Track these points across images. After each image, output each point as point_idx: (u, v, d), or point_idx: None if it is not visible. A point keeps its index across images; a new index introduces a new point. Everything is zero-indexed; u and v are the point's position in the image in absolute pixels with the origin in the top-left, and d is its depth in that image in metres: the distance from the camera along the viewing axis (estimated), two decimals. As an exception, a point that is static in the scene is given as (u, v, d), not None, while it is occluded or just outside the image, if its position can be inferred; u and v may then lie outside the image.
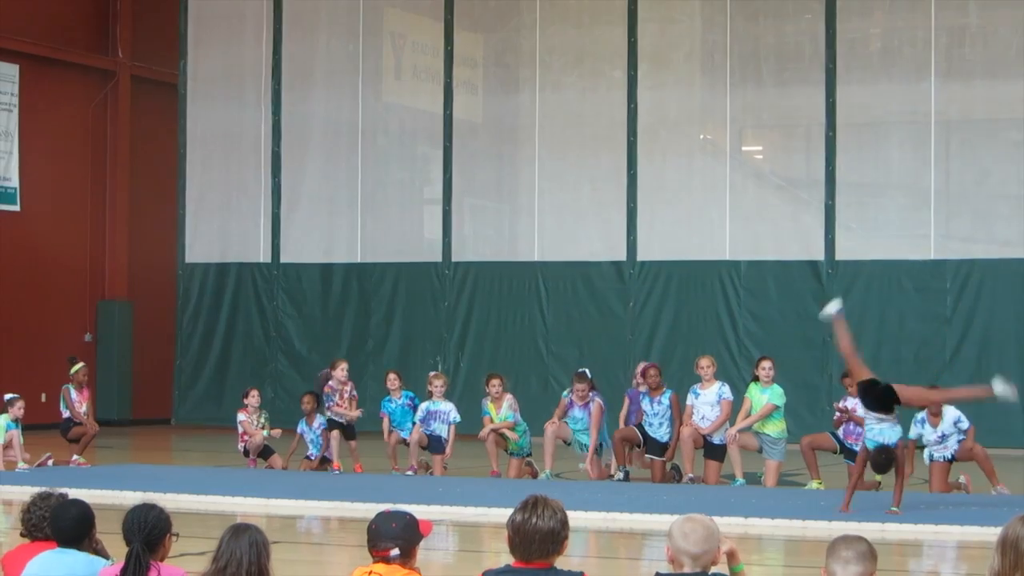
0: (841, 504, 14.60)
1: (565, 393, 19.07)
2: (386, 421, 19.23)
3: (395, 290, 27.37)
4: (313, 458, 19.72)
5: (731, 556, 5.69)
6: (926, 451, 17.18)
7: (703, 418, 18.05)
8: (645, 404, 18.40)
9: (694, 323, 25.50)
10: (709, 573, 5.53)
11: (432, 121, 27.40)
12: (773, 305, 25.13)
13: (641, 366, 19.08)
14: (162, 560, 6.39)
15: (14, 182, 28.53)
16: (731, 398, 18.14)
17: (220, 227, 28.59)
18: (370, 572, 6.02)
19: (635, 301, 25.85)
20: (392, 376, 19.52)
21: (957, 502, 15.94)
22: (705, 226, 25.53)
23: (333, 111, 28.00)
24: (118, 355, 29.98)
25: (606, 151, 26.15)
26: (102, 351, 29.90)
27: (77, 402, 20.29)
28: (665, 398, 18.38)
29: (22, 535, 7.17)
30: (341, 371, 19.61)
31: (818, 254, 24.90)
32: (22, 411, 19.23)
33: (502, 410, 18.82)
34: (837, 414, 17.43)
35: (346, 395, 19.56)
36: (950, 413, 17.09)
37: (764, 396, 17.92)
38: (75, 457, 19.95)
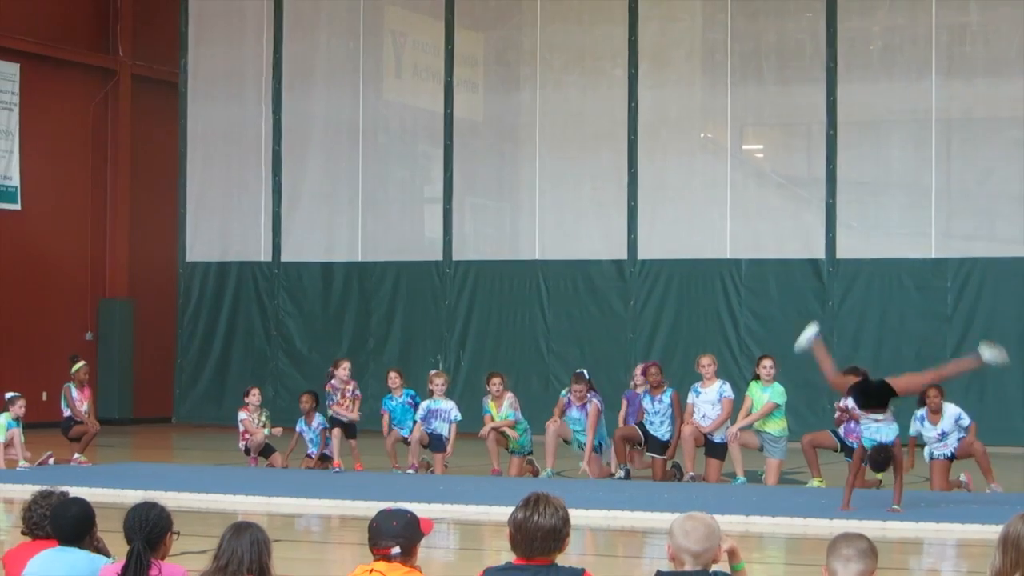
0: (841, 503, 14.59)
1: (563, 392, 19.07)
2: (386, 418, 19.23)
3: (396, 289, 27.37)
4: (313, 456, 19.72)
5: (732, 554, 5.69)
6: (926, 449, 17.17)
7: (704, 416, 18.05)
8: (646, 402, 18.40)
9: (695, 322, 25.50)
10: (710, 571, 5.53)
11: (433, 119, 27.40)
12: (774, 303, 25.12)
13: (640, 367, 19.08)
14: (163, 558, 6.40)
15: (15, 181, 28.53)
16: (732, 396, 18.14)
17: (221, 226, 28.59)
18: (371, 570, 6.02)
19: (636, 300, 25.85)
20: (393, 374, 19.53)
21: (958, 500, 15.93)
22: (706, 225, 25.53)
23: (334, 109, 27.99)
24: (119, 354, 29.98)
25: (607, 149, 26.15)
26: (103, 350, 29.90)
27: (78, 401, 20.29)
28: (666, 396, 18.38)
29: (23, 533, 7.18)
30: (343, 370, 19.61)
31: (819, 252, 24.90)
32: (23, 409, 19.23)
33: (503, 408, 18.82)
34: (838, 412, 17.42)
35: (348, 394, 19.58)
36: (950, 410, 17.08)
37: (765, 394, 17.93)
38: (76, 456, 19.95)
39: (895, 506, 14.38)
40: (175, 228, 28.93)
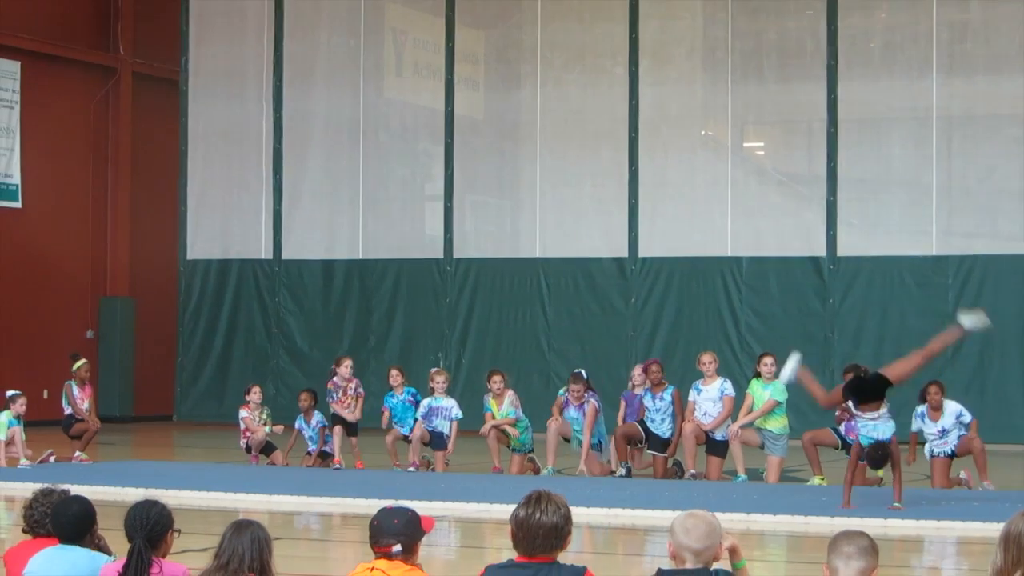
0: (842, 501, 14.59)
1: (561, 391, 19.09)
2: (386, 415, 19.24)
3: (397, 286, 27.38)
4: (312, 453, 19.72)
5: (733, 552, 5.69)
6: (927, 446, 17.17)
7: (705, 414, 18.05)
8: (647, 400, 18.40)
9: (696, 319, 25.50)
10: (711, 569, 5.53)
11: (433, 117, 27.40)
12: (775, 301, 25.13)
13: (637, 367, 19.07)
14: (164, 556, 6.40)
15: (16, 179, 28.53)
16: (733, 394, 18.15)
17: (222, 224, 28.60)
18: (372, 568, 6.02)
19: (637, 297, 25.85)
20: (395, 372, 19.53)
21: (959, 498, 15.92)
22: (707, 222, 25.53)
23: (334, 107, 27.99)
24: (120, 352, 29.99)
25: (607, 147, 26.15)
26: (104, 348, 29.90)
27: (79, 399, 20.30)
28: (667, 394, 18.38)
29: (24, 531, 7.17)
30: (345, 368, 19.62)
31: (820, 250, 24.91)
32: (24, 407, 19.23)
33: (503, 406, 18.83)
34: (838, 411, 17.42)
35: (350, 392, 19.58)
36: (951, 407, 17.08)
37: (766, 392, 17.93)
38: (77, 453, 19.95)
39: (896, 503, 14.38)
40: (176, 226, 28.94)
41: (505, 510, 13.54)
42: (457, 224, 27.13)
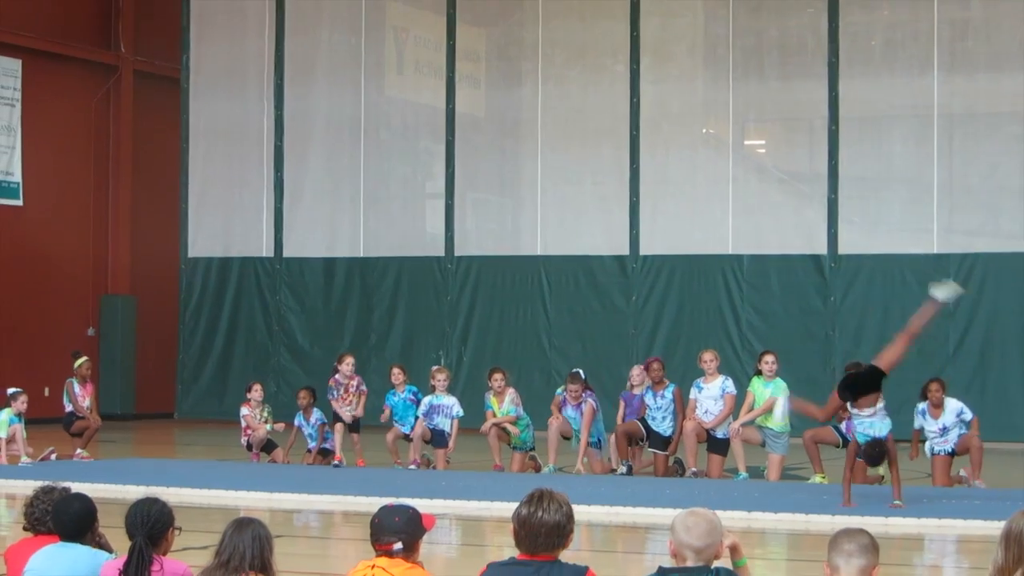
0: (842, 500, 14.58)
1: (559, 391, 19.09)
2: (387, 412, 19.25)
3: (398, 284, 27.38)
4: (312, 451, 19.72)
5: (734, 550, 5.69)
6: (927, 444, 17.16)
7: (706, 412, 18.05)
8: (648, 398, 18.40)
9: (697, 317, 25.50)
10: (712, 567, 5.53)
11: (434, 115, 27.40)
12: (776, 299, 25.13)
13: (636, 368, 19.06)
14: (165, 554, 6.40)
15: (17, 177, 28.54)
16: (734, 392, 18.15)
17: (223, 222, 28.61)
18: (373, 566, 6.02)
19: (638, 295, 25.85)
20: (396, 370, 19.53)
21: (960, 496, 15.92)
22: (708, 220, 25.53)
23: (335, 105, 27.99)
24: (121, 349, 30.00)
25: (608, 145, 26.15)
26: (105, 345, 29.91)
27: (80, 396, 20.30)
28: (668, 392, 18.37)
29: (25, 529, 7.18)
30: (347, 365, 19.62)
31: (821, 248, 24.90)
32: (25, 405, 19.22)
33: (504, 404, 18.83)
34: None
35: (352, 389, 19.58)
36: (952, 405, 17.08)
37: (767, 390, 17.93)
38: (78, 451, 19.95)
39: (896, 501, 14.37)
40: (177, 224, 28.94)
41: (506, 508, 13.56)
42: (458, 222, 27.13)
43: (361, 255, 27.63)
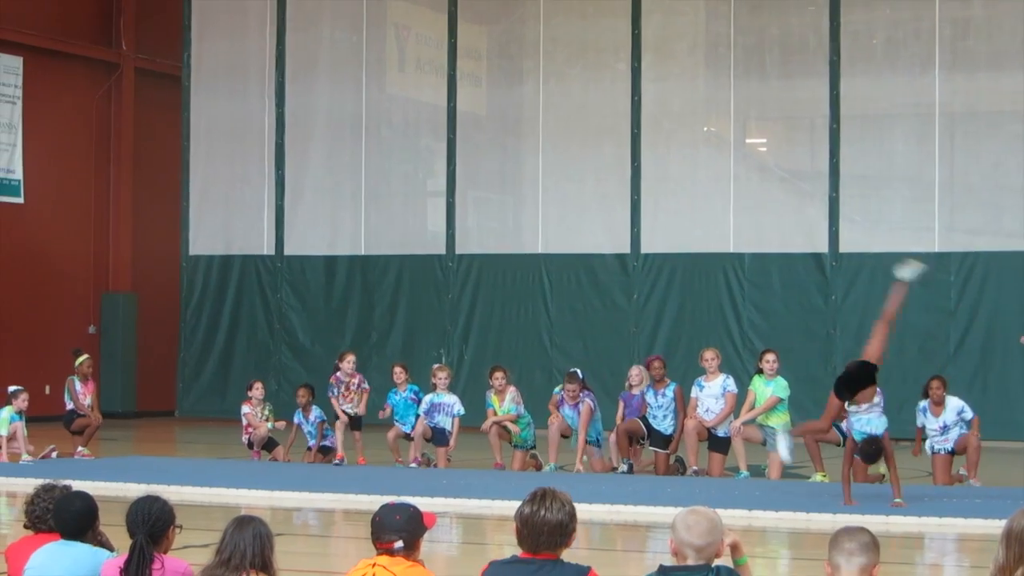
0: (843, 498, 14.58)
1: (557, 390, 19.09)
2: (388, 410, 19.26)
3: (399, 282, 27.38)
4: (312, 448, 19.73)
5: (734, 548, 5.68)
6: (927, 442, 17.17)
7: (707, 410, 18.05)
8: (649, 396, 18.40)
9: (698, 315, 25.50)
10: (713, 566, 5.52)
11: (436, 113, 27.40)
12: (777, 297, 25.12)
13: (634, 368, 19.04)
14: (166, 552, 6.40)
15: (18, 174, 28.54)
16: (735, 390, 18.14)
17: (224, 219, 28.60)
18: (374, 564, 6.02)
19: (639, 293, 25.85)
20: (398, 369, 19.53)
21: (960, 495, 15.91)
22: (709, 218, 25.52)
23: (337, 103, 27.99)
24: (122, 347, 30.00)
25: (610, 143, 26.14)
26: (106, 343, 29.91)
27: (81, 394, 20.30)
28: (669, 391, 18.37)
29: (26, 527, 7.17)
30: (348, 363, 19.63)
31: (822, 246, 24.90)
32: (26, 403, 19.23)
33: (505, 403, 18.83)
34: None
35: (354, 387, 19.59)
36: (953, 403, 17.09)
37: (768, 388, 17.92)
38: (79, 449, 19.96)
39: (897, 499, 14.37)
40: (178, 222, 28.93)
41: (506, 506, 13.56)
42: (459, 220, 27.13)
43: (362, 253, 27.63)
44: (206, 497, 15.74)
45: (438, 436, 18.90)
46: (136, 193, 30.50)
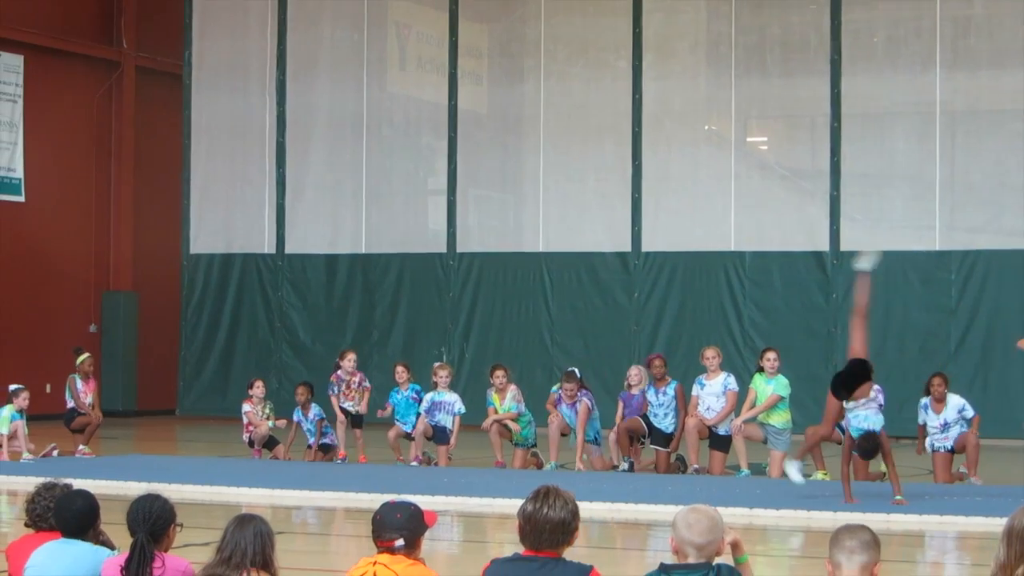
0: (844, 497, 14.57)
1: (555, 388, 19.09)
2: (389, 409, 19.27)
3: (400, 281, 27.37)
4: (312, 446, 19.74)
5: (735, 547, 5.68)
6: (927, 440, 17.17)
7: (708, 409, 18.05)
8: (650, 395, 18.40)
9: (699, 314, 25.49)
10: (713, 564, 5.52)
11: (437, 111, 27.39)
12: (778, 296, 25.12)
13: (634, 368, 19.04)
14: (166, 550, 6.40)
15: (19, 173, 28.54)
16: (736, 389, 18.15)
17: (225, 218, 28.60)
18: (375, 562, 6.02)
19: (640, 292, 25.85)
20: (400, 368, 19.53)
21: (961, 493, 15.91)
22: (710, 217, 25.52)
23: (338, 101, 27.98)
24: (123, 346, 30.00)
25: (611, 142, 26.14)
26: (107, 342, 29.92)
27: (82, 392, 20.31)
28: (670, 389, 18.38)
29: (26, 525, 7.17)
30: (349, 361, 19.63)
31: (823, 245, 24.89)
32: (27, 402, 19.23)
33: (506, 401, 18.83)
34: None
35: (355, 386, 19.59)
36: (954, 401, 17.10)
37: (769, 387, 17.92)
38: (80, 447, 19.97)
39: (897, 497, 14.37)
40: (179, 220, 28.93)
41: (507, 504, 13.57)
42: (460, 218, 27.12)
43: (363, 251, 27.62)
44: (207, 495, 15.74)
45: (439, 434, 18.91)
46: (137, 191, 30.50)
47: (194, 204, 28.74)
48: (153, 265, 30.26)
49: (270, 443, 19.85)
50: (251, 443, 19.95)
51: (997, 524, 8.99)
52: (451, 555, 12.53)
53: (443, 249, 27.07)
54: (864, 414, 14.45)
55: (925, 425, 17.19)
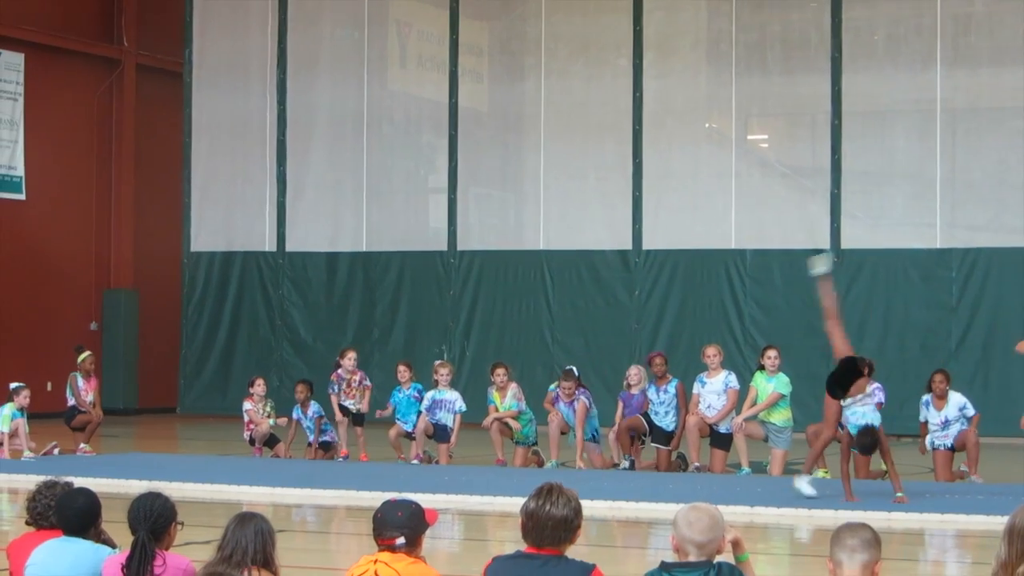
0: (844, 495, 14.57)
1: (552, 387, 19.08)
2: (389, 409, 19.27)
3: (400, 279, 27.37)
4: (312, 444, 19.74)
5: (736, 545, 5.68)
6: (928, 438, 17.17)
7: (709, 407, 18.04)
8: (651, 393, 18.40)
9: (700, 312, 25.49)
10: (714, 562, 5.52)
11: (437, 109, 27.39)
12: (779, 294, 25.12)
13: (634, 368, 19.04)
14: (167, 549, 6.40)
15: (19, 171, 28.54)
16: (737, 387, 18.14)
17: (225, 216, 28.60)
18: (375, 560, 6.02)
19: (640, 290, 25.84)
20: (403, 368, 19.53)
21: (962, 491, 15.90)
22: (711, 215, 25.52)
23: (338, 99, 27.97)
24: (124, 344, 30.00)
25: (612, 139, 26.14)
26: (108, 340, 29.92)
27: (83, 391, 20.31)
28: (671, 387, 18.37)
29: (27, 523, 7.17)
30: (349, 360, 19.63)
31: (824, 243, 24.86)
32: (27, 400, 19.24)
33: (506, 399, 18.83)
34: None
35: (355, 384, 19.59)
36: (955, 398, 17.10)
37: (770, 385, 17.92)
38: (82, 445, 19.97)
39: (898, 494, 14.36)
40: (179, 218, 28.93)
41: (508, 502, 13.56)
42: (461, 216, 27.12)
43: (364, 249, 27.62)
44: (208, 494, 15.74)
45: (440, 433, 18.90)
46: (137, 190, 30.50)
47: (195, 202, 28.74)
48: (154, 263, 30.27)
49: (271, 441, 19.85)
50: (252, 441, 19.95)
51: (998, 522, 9.00)
52: (452, 553, 12.52)
53: (444, 247, 27.06)
54: (862, 411, 14.47)
55: (926, 422, 17.19)
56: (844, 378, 14.61)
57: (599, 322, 26.01)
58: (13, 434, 19.05)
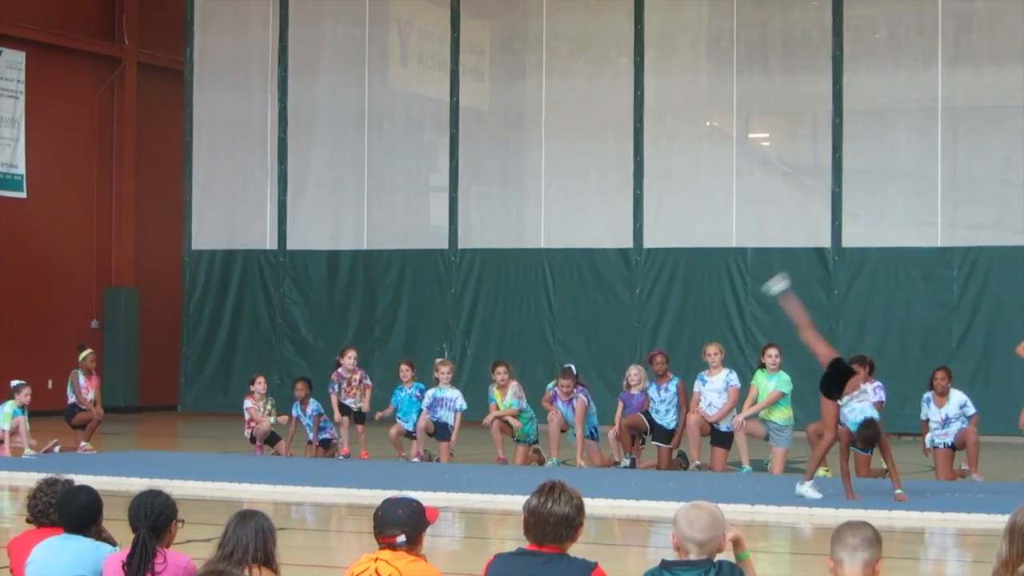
0: (845, 494, 14.56)
1: (550, 385, 19.08)
2: (390, 410, 19.27)
3: (401, 277, 27.37)
4: (312, 442, 19.74)
5: (736, 543, 5.68)
6: (928, 436, 17.17)
7: (710, 405, 18.04)
8: (652, 391, 18.40)
9: (700, 310, 25.49)
10: (714, 560, 5.52)
11: (438, 108, 27.39)
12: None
13: (634, 368, 19.03)
14: (168, 546, 6.40)
15: (20, 169, 28.54)
16: (738, 385, 18.14)
17: (226, 214, 28.60)
18: (376, 559, 6.02)
19: (641, 288, 25.84)
20: (404, 367, 19.52)
21: (963, 490, 15.90)
22: (711, 213, 25.52)
23: (339, 98, 27.97)
24: (125, 342, 30.01)
25: (612, 138, 26.14)
26: (109, 338, 29.92)
27: (85, 388, 20.30)
28: (672, 385, 18.37)
29: (28, 521, 7.17)
30: (349, 359, 19.63)
31: (824, 241, 24.88)
32: (29, 398, 19.24)
33: (507, 397, 18.83)
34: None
35: (355, 383, 19.59)
36: (956, 396, 17.10)
37: (770, 383, 17.91)
38: (82, 443, 19.97)
39: (898, 491, 14.36)
40: (181, 216, 28.93)
41: (509, 501, 13.57)
42: (462, 215, 27.12)
43: (365, 248, 27.62)
44: (208, 491, 15.74)
45: (440, 431, 18.90)
46: (138, 188, 30.51)
47: (196, 200, 28.74)
48: (155, 261, 30.27)
49: (272, 439, 19.85)
50: (253, 439, 19.96)
51: (999, 521, 9.00)
52: (452, 551, 12.52)
53: (445, 245, 27.06)
54: (859, 407, 14.47)
55: (927, 420, 17.19)
56: (837, 378, 14.62)
57: (600, 320, 26.00)
58: (14, 432, 19.05)
